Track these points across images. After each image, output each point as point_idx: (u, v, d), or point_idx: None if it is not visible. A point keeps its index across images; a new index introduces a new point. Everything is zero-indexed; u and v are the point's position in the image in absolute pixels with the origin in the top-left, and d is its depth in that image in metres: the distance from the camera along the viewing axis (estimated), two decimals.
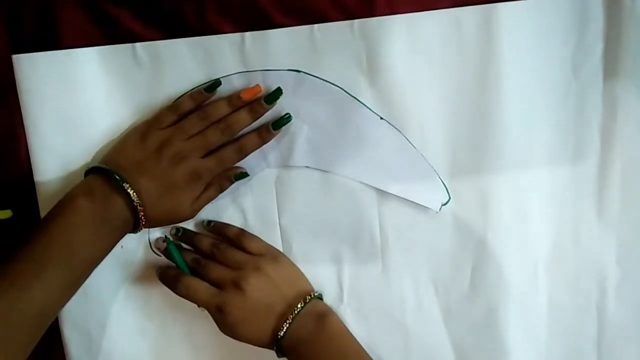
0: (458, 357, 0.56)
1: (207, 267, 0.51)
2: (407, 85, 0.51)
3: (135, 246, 0.54)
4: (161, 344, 0.56)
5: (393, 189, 0.53)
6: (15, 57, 0.50)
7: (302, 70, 0.51)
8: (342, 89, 0.51)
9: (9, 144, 0.51)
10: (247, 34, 0.50)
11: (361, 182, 0.53)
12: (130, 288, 0.55)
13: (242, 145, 0.50)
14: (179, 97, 0.51)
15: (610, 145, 0.53)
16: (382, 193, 0.53)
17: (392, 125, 0.52)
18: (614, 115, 0.53)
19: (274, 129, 0.51)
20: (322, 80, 0.51)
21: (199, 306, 0.50)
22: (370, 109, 0.52)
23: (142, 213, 0.47)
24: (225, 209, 0.54)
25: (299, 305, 0.50)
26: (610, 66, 0.52)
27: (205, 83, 0.51)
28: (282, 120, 0.51)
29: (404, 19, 0.50)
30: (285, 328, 0.49)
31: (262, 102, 0.50)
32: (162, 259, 0.54)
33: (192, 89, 0.51)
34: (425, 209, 0.54)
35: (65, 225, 0.44)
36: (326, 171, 0.53)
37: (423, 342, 0.56)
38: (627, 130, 0.53)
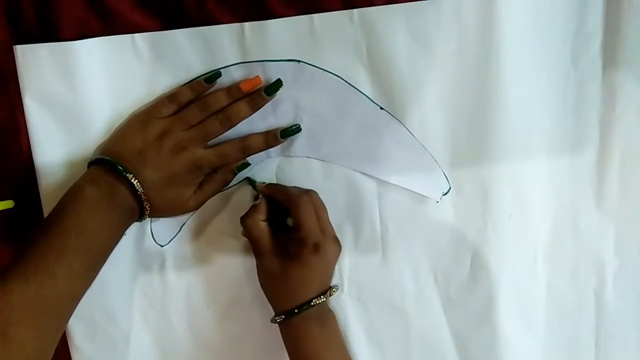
0: (457, 345, 0.57)
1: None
2: (407, 75, 0.51)
3: (138, 235, 0.54)
4: (164, 333, 0.56)
5: (393, 179, 0.53)
6: (17, 47, 0.49)
7: (302, 60, 0.51)
8: (342, 79, 0.51)
9: (10, 134, 0.51)
10: (247, 24, 0.50)
11: (361, 172, 0.53)
12: (133, 277, 0.55)
13: (247, 146, 0.51)
14: (177, 87, 0.51)
15: (609, 135, 0.53)
16: (382, 182, 0.53)
17: (392, 115, 0.52)
18: (613, 105, 0.53)
19: (282, 137, 0.51)
20: (322, 70, 0.51)
21: (294, 225, 0.49)
22: (370, 99, 0.52)
23: (146, 202, 0.48)
24: (227, 199, 0.54)
25: (333, 291, 0.51)
26: (610, 56, 0.52)
27: (205, 74, 0.51)
28: (291, 130, 0.51)
29: (404, 8, 0.50)
30: (312, 304, 0.49)
31: (262, 93, 0.50)
32: (165, 249, 0.54)
33: (192, 79, 0.51)
34: (425, 198, 0.54)
35: (77, 213, 0.45)
36: (326, 161, 0.53)
37: (423, 330, 0.56)
38: (626, 120, 0.53)
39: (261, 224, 0.50)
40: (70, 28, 0.50)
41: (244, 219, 0.51)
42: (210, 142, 0.51)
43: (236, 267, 0.55)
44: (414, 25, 0.50)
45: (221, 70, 0.51)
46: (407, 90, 0.52)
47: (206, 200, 0.52)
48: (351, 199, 0.54)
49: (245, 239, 0.54)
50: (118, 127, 0.51)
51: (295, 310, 0.49)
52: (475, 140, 0.53)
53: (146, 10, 0.50)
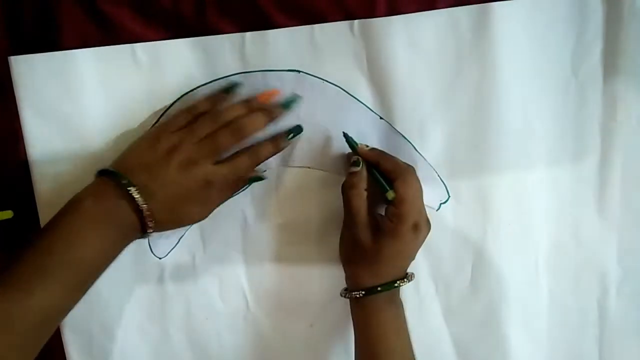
0: (459, 354, 0.57)
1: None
2: (406, 85, 0.51)
3: (136, 248, 0.53)
4: (162, 346, 0.56)
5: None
6: (12, 58, 0.49)
7: (302, 70, 0.51)
8: (342, 89, 0.52)
9: (9, 144, 0.51)
10: (247, 34, 0.50)
11: None
12: (131, 289, 0.54)
13: (257, 153, 0.49)
14: (178, 97, 0.51)
15: (611, 143, 0.54)
16: None
17: (392, 125, 0.52)
18: (613, 113, 0.53)
19: (289, 139, 0.51)
20: (322, 80, 0.51)
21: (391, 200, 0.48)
22: (370, 109, 0.52)
23: (149, 218, 0.45)
24: (225, 209, 0.53)
25: (413, 276, 0.51)
26: (610, 64, 0.52)
27: (208, 80, 0.51)
28: (295, 130, 0.51)
29: (403, 19, 0.50)
30: (397, 285, 0.49)
31: (279, 106, 0.50)
32: (163, 261, 0.54)
33: (192, 89, 0.51)
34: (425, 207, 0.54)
35: (67, 227, 0.43)
36: (326, 171, 0.53)
37: (424, 339, 0.56)
38: (627, 128, 0.53)
39: (364, 194, 0.49)
40: (70, 38, 0.50)
41: (349, 189, 0.49)
42: None
43: (235, 279, 0.55)
44: (413, 36, 0.51)
45: (220, 80, 0.51)
46: (407, 100, 0.52)
47: (214, 209, 0.50)
48: None
49: (244, 248, 0.53)
50: (137, 139, 0.50)
51: (379, 288, 0.48)
52: (475, 149, 0.53)
53: (146, 20, 0.50)
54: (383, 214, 0.50)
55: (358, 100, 0.52)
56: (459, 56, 0.51)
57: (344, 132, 0.51)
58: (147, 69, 0.50)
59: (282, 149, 0.51)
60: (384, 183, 0.49)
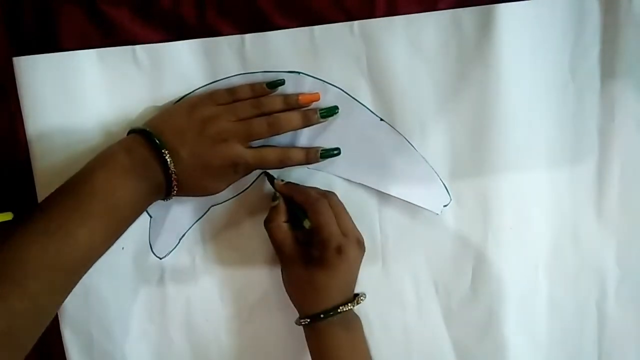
0: (459, 357, 0.56)
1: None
2: (407, 87, 0.51)
3: (136, 248, 0.53)
4: (162, 347, 0.56)
5: (394, 190, 0.53)
6: (15, 59, 0.49)
7: (302, 71, 0.51)
8: (343, 90, 0.52)
9: (9, 145, 0.51)
10: (247, 35, 0.50)
11: (361, 184, 0.53)
12: (131, 290, 0.54)
13: (287, 154, 0.49)
14: (178, 99, 0.51)
15: (609, 145, 0.54)
16: (382, 194, 0.53)
17: (392, 127, 0.52)
18: (611, 116, 0.53)
19: (321, 157, 0.51)
20: (322, 82, 0.51)
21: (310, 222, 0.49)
22: (370, 110, 0.52)
23: (176, 182, 0.46)
24: (225, 211, 0.54)
25: (360, 299, 0.51)
26: (608, 67, 0.53)
27: (208, 84, 0.51)
28: (331, 153, 0.51)
29: (404, 20, 0.50)
30: (339, 311, 0.49)
31: (318, 112, 0.50)
32: (164, 261, 0.54)
33: (193, 90, 0.51)
34: (425, 210, 0.54)
35: (107, 178, 0.44)
36: (326, 172, 0.53)
37: (424, 342, 0.56)
38: (625, 131, 0.53)
39: (283, 226, 0.50)
40: (70, 39, 0.50)
41: (267, 223, 0.51)
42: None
43: (235, 280, 0.55)
44: (414, 37, 0.51)
45: (223, 81, 0.51)
46: (407, 102, 0.52)
47: (225, 189, 0.50)
48: (351, 210, 0.53)
49: (244, 250, 0.53)
50: (171, 105, 0.51)
51: (321, 315, 0.49)
52: (475, 152, 0.53)
53: (146, 22, 0.50)
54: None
55: (358, 101, 0.52)
56: (461, 57, 0.51)
57: (265, 172, 0.52)
58: (147, 71, 0.51)
59: (311, 162, 0.51)
60: (301, 214, 0.50)
